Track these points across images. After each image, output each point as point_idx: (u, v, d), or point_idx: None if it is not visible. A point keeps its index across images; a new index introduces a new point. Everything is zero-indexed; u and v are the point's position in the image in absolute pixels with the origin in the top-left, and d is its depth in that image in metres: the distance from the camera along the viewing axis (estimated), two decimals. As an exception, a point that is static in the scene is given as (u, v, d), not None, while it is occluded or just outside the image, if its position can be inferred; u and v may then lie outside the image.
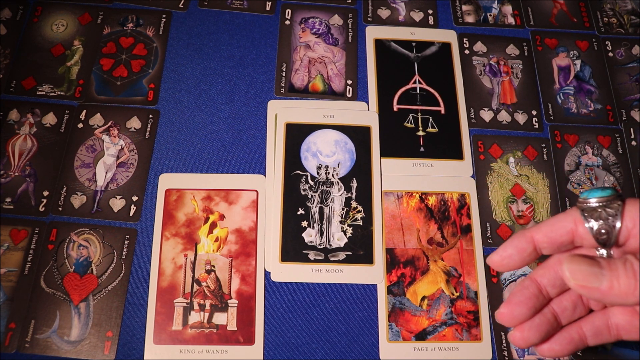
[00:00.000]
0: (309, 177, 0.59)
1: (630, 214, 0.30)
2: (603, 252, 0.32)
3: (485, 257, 0.57)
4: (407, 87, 0.65)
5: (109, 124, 0.61)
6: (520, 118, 0.64)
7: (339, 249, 0.56)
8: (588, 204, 0.32)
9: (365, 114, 0.62)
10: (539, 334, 0.35)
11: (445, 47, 0.67)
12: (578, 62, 0.68)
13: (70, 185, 0.57)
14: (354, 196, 0.58)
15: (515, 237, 0.34)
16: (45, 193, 0.57)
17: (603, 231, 0.31)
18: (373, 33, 0.68)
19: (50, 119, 0.60)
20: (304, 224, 0.57)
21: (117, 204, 0.57)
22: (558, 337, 0.36)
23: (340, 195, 0.58)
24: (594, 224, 0.31)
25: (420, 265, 0.56)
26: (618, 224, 0.31)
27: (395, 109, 0.63)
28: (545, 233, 0.33)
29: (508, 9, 0.71)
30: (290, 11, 0.68)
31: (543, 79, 0.67)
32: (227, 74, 0.64)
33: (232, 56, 0.65)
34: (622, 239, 0.31)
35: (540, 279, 0.35)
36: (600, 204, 0.31)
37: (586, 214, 0.32)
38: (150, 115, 0.61)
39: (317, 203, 0.58)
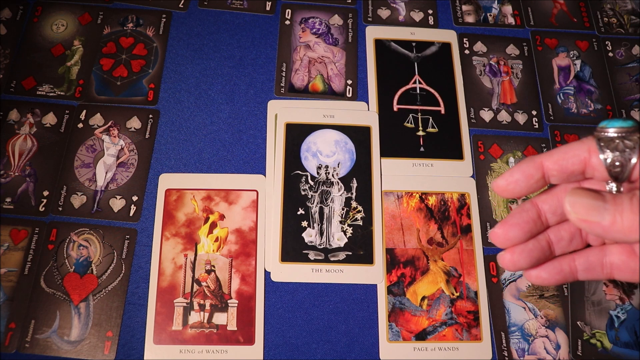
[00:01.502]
0: (309, 177, 0.59)
1: None
2: (612, 186, 0.30)
3: (485, 257, 0.57)
4: (407, 87, 0.65)
5: (109, 124, 0.61)
6: (520, 118, 0.64)
7: (339, 249, 0.56)
8: (606, 134, 0.30)
9: (365, 114, 0.62)
10: (529, 260, 0.34)
11: (445, 47, 0.67)
12: (578, 62, 0.68)
13: (70, 185, 0.57)
14: (354, 196, 0.58)
15: (524, 162, 0.32)
16: (45, 193, 0.57)
17: (617, 163, 0.29)
18: (373, 33, 0.68)
19: (50, 119, 0.60)
20: (304, 224, 0.57)
21: (117, 204, 0.57)
22: (548, 265, 0.35)
23: (340, 195, 0.58)
24: (609, 155, 0.29)
25: (420, 265, 0.56)
26: (634, 159, 0.29)
27: (395, 109, 0.63)
28: (556, 160, 0.31)
29: (508, 9, 0.71)
30: (290, 11, 0.68)
31: (543, 79, 0.67)
32: (227, 74, 0.64)
33: (232, 56, 0.65)
34: (635, 175, 0.29)
35: (542, 204, 0.34)
36: (619, 134, 0.29)
37: (602, 144, 0.30)
38: (150, 115, 0.61)
39: (317, 203, 0.58)
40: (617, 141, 0.29)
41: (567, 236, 0.35)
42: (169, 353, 0.52)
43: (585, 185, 0.32)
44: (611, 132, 0.30)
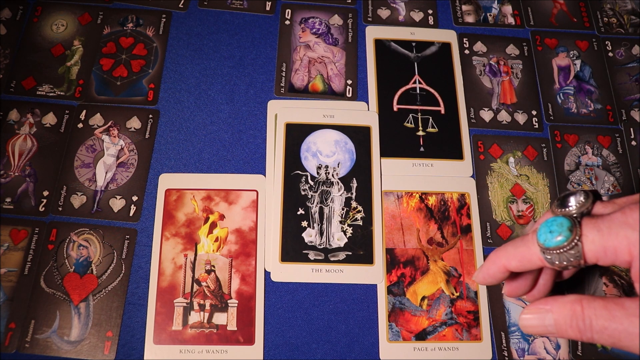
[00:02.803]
0: (309, 177, 0.59)
1: (592, 252, 0.30)
2: None
3: (485, 257, 0.57)
4: (407, 87, 0.65)
5: (109, 124, 0.61)
6: (520, 118, 0.64)
7: (339, 249, 0.56)
8: (548, 251, 0.31)
9: (365, 114, 0.62)
10: (547, 292, 0.37)
11: (445, 47, 0.67)
12: (578, 62, 0.68)
13: (70, 185, 0.57)
14: (354, 196, 0.58)
15: (491, 264, 0.35)
16: (45, 193, 0.57)
17: (570, 268, 0.31)
18: (373, 33, 0.68)
19: (50, 119, 0.60)
20: (304, 224, 0.57)
21: (117, 204, 0.57)
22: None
23: (340, 195, 0.58)
24: (560, 265, 0.31)
25: (420, 265, 0.56)
26: (582, 261, 0.30)
27: (395, 109, 0.63)
28: (516, 266, 0.34)
29: (508, 9, 0.71)
30: (290, 11, 0.68)
31: (543, 79, 0.67)
32: (227, 74, 0.64)
33: (232, 56, 0.65)
34: (590, 264, 0.31)
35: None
36: (561, 250, 0.30)
37: (549, 257, 0.31)
38: (150, 115, 0.61)
39: (317, 203, 0.58)
40: (563, 253, 0.30)
41: None
42: (169, 353, 0.52)
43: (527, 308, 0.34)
44: (552, 250, 0.31)
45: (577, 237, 0.30)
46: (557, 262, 0.31)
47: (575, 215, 0.31)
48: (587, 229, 0.30)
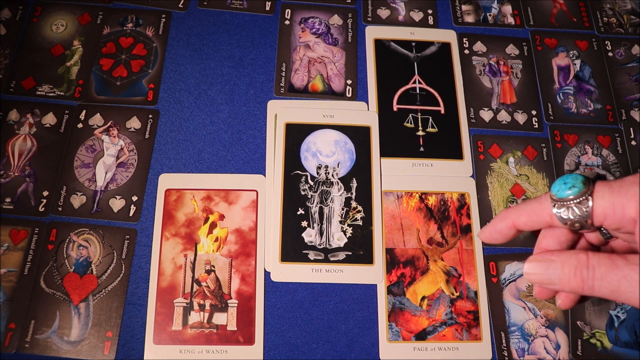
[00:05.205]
0: (309, 177, 0.59)
1: (601, 207, 0.31)
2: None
3: (485, 257, 0.57)
4: (407, 87, 0.65)
5: (109, 124, 0.61)
6: (520, 118, 0.64)
7: (338, 249, 0.56)
8: (559, 202, 0.33)
9: (365, 114, 0.62)
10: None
11: (445, 47, 0.67)
12: (578, 62, 0.68)
13: (70, 185, 0.57)
14: (353, 196, 0.58)
15: (499, 220, 0.36)
16: (45, 193, 0.57)
17: (577, 224, 0.32)
18: (373, 33, 0.68)
19: (50, 119, 0.60)
20: (304, 224, 0.57)
21: (117, 204, 0.57)
22: None
23: (340, 195, 0.58)
24: (567, 220, 0.32)
25: (420, 265, 0.56)
26: (589, 218, 0.31)
27: (395, 109, 0.63)
28: (524, 222, 0.35)
29: (508, 8, 0.71)
30: (290, 11, 0.68)
31: (543, 78, 0.67)
32: (227, 74, 0.64)
33: (232, 56, 0.65)
34: (597, 224, 0.33)
35: (547, 245, 0.37)
36: (571, 201, 0.32)
37: (559, 210, 0.33)
38: (150, 115, 0.61)
39: (317, 203, 0.58)
40: (571, 207, 0.32)
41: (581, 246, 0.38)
42: (169, 353, 0.52)
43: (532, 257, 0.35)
44: (563, 201, 0.32)
45: (589, 192, 0.31)
46: (565, 217, 0.32)
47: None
48: (599, 185, 0.31)
